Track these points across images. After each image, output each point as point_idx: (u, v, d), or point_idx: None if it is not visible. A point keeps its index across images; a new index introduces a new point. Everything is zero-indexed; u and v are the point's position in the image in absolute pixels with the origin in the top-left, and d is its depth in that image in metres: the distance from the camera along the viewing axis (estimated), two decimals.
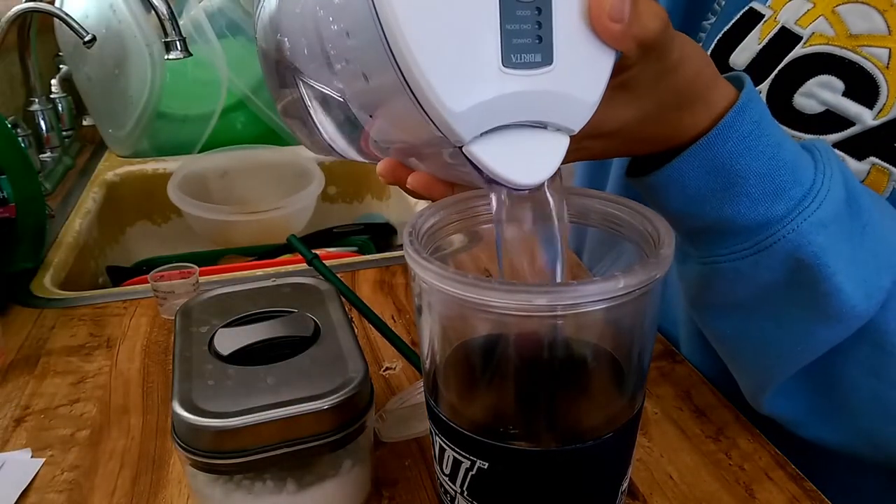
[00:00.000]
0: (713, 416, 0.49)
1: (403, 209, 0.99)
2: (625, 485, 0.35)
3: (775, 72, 0.45)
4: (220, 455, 0.35)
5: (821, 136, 0.44)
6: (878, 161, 0.42)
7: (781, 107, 0.45)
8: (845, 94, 0.43)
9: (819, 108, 0.44)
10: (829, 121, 0.44)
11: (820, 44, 0.44)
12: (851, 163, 0.43)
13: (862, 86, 0.43)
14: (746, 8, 0.48)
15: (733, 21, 0.49)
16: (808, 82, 0.44)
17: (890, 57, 0.42)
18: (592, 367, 0.35)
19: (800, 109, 0.45)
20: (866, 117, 0.42)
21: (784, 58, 0.45)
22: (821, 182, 0.37)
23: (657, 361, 0.55)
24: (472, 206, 0.37)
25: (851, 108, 0.43)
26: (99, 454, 0.46)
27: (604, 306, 0.28)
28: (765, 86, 0.46)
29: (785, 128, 0.43)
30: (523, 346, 0.33)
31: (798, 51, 0.45)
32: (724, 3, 0.50)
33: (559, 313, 0.29)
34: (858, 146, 0.43)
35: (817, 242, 0.36)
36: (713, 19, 0.51)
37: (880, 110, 0.42)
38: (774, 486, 0.43)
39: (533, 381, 0.35)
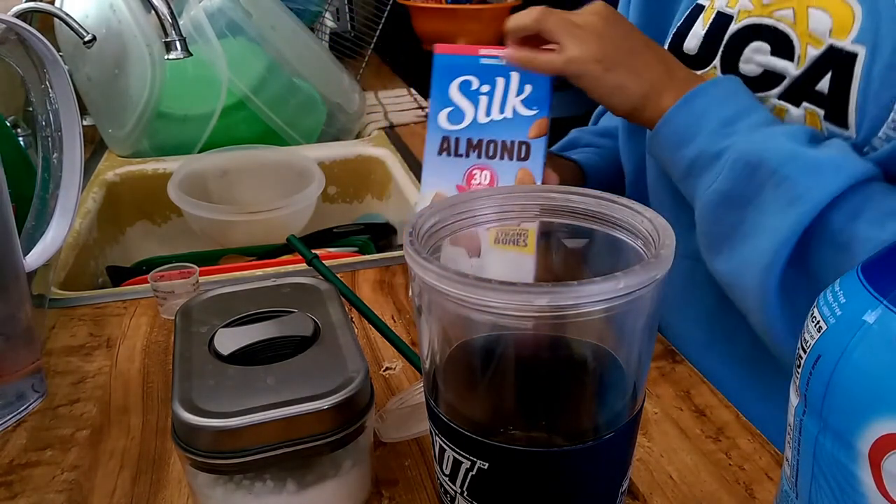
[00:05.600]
0: (713, 416, 0.49)
1: (403, 209, 0.99)
2: (625, 485, 0.35)
3: (721, 48, 0.56)
4: (220, 455, 0.35)
5: (764, 93, 0.53)
6: (809, 105, 0.50)
7: (732, 74, 0.53)
8: (772, 53, 0.52)
9: (758, 70, 0.53)
10: (767, 79, 0.53)
11: (745, 18, 0.54)
12: (792, 111, 0.51)
13: (781, 43, 0.51)
14: (693, 4, 0.60)
15: (684, 16, 0.60)
16: (746, 50, 0.54)
17: (795, 15, 0.51)
18: (592, 367, 0.35)
19: (745, 74, 0.54)
20: (791, 69, 0.51)
21: (724, 36, 0.56)
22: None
23: (657, 361, 0.55)
24: (473, 206, 0.37)
25: (778, 63, 0.52)
26: (99, 454, 0.46)
27: (604, 306, 0.28)
28: (717, 61, 0.56)
29: None
30: (523, 346, 0.33)
31: (732, 28, 0.55)
32: (681, 5, 0.61)
33: (559, 313, 0.29)
34: (792, 95, 0.51)
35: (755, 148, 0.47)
36: (681, 22, 0.60)
37: (798, 60, 0.50)
38: (774, 487, 0.43)
39: (533, 381, 0.35)
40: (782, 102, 0.52)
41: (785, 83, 0.51)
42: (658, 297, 0.31)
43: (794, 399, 0.28)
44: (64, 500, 0.43)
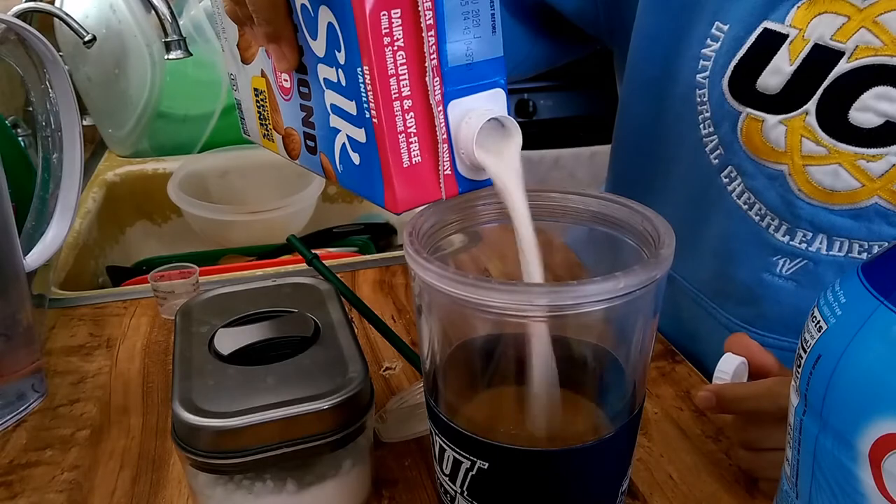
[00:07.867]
0: (713, 416, 0.49)
1: None
2: (625, 485, 0.35)
3: (820, 90, 0.44)
4: (220, 455, 0.35)
5: (883, 149, 0.43)
6: None
7: (837, 124, 0.44)
8: None
9: (877, 121, 0.43)
10: (888, 132, 0.43)
11: (866, 56, 0.43)
12: None
13: None
14: (760, 29, 0.46)
15: (748, 45, 0.47)
16: (863, 96, 0.43)
17: None
18: (592, 367, 0.35)
19: (857, 125, 0.43)
20: None
21: (826, 76, 0.44)
22: None
23: (657, 361, 0.55)
24: (472, 206, 0.37)
25: None
26: (99, 454, 0.46)
27: (604, 306, 0.28)
28: (811, 105, 0.44)
29: (843, 145, 0.44)
30: (523, 346, 0.33)
31: (843, 66, 0.43)
32: (726, 27, 0.48)
33: (559, 313, 0.29)
34: None
35: None
36: (714, 45, 0.49)
37: None
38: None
39: (533, 381, 0.35)
40: None
41: None
42: (658, 297, 0.31)
43: (794, 399, 0.28)
44: (64, 500, 0.43)
